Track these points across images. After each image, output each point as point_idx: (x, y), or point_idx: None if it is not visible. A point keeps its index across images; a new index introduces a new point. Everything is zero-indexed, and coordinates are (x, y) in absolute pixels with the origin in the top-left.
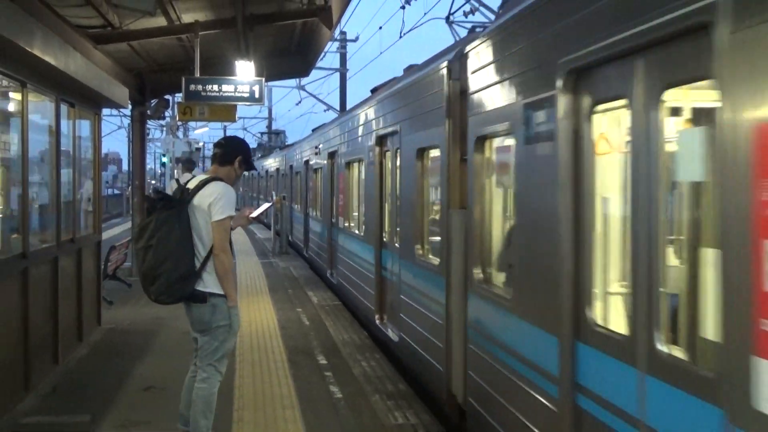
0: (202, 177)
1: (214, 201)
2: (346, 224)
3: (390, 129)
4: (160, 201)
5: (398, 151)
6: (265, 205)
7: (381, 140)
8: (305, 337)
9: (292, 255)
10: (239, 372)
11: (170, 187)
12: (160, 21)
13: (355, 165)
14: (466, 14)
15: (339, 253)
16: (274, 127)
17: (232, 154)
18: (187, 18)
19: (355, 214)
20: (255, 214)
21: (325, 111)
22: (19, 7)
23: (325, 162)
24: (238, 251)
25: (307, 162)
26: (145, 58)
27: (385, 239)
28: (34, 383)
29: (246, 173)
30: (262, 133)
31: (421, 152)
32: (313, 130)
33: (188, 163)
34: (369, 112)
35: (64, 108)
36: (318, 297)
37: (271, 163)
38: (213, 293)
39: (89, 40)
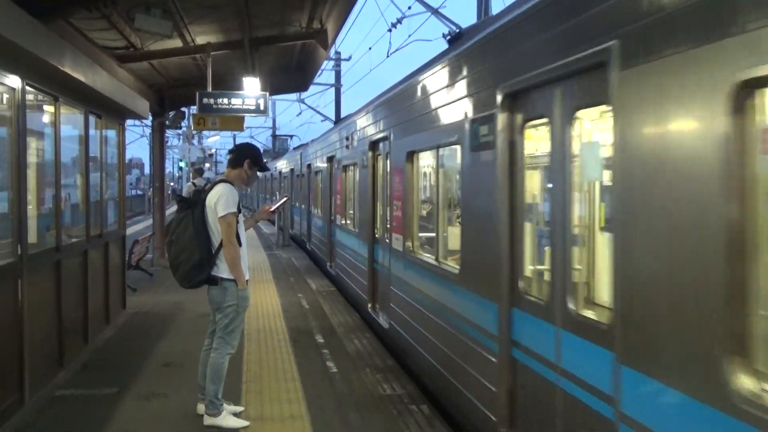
0: (216, 180)
1: (217, 200)
2: (409, 246)
3: (534, 78)
4: (180, 203)
5: (572, 113)
6: (282, 200)
7: (513, 101)
8: (305, 319)
9: (294, 248)
10: (247, 349)
11: (187, 190)
12: (177, 42)
13: (428, 157)
14: (445, 36)
15: (394, 286)
16: (278, 137)
17: (241, 158)
18: (201, 40)
19: (429, 232)
20: (273, 208)
21: (322, 121)
22: (53, 32)
23: (364, 157)
24: (248, 244)
25: (331, 158)
26: (163, 75)
27: (527, 293)
28: (67, 360)
29: (258, 176)
30: (275, 136)
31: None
32: (335, 123)
33: (199, 171)
34: (477, 56)
35: (92, 119)
36: (316, 284)
37: (284, 164)
38: (224, 278)
39: (114, 59)
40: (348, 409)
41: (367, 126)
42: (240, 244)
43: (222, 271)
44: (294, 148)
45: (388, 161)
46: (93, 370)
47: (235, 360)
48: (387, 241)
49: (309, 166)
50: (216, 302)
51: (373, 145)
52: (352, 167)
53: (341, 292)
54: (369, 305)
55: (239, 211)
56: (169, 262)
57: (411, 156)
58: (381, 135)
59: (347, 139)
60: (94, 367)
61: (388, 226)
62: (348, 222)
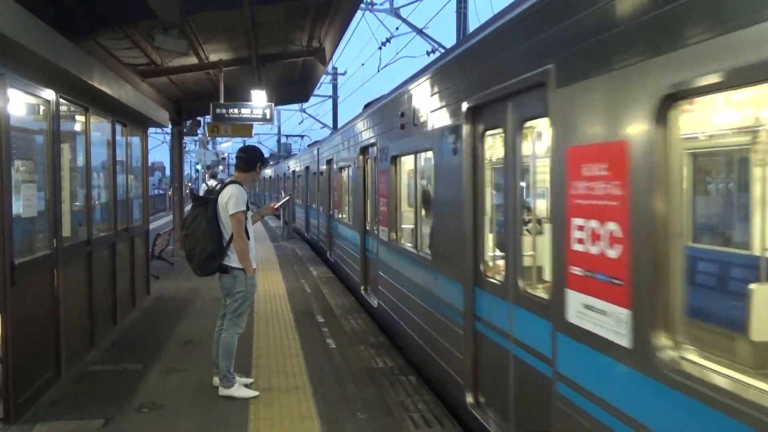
0: (227, 181)
1: (228, 200)
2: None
3: None
4: (195, 201)
5: None
6: (285, 198)
7: None
8: (307, 302)
9: (297, 239)
10: (257, 329)
11: (202, 190)
12: (192, 59)
13: None
14: (429, 53)
15: (573, 408)
16: (282, 142)
17: (254, 161)
18: (213, 57)
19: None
20: (277, 205)
21: (321, 128)
22: (83, 51)
23: (450, 137)
24: (256, 237)
25: (366, 149)
26: (181, 88)
27: None
28: (98, 340)
29: (270, 176)
30: (287, 136)
31: None
32: (365, 106)
33: (213, 175)
34: None
35: (118, 127)
36: (317, 271)
37: (297, 162)
38: (234, 267)
39: (137, 74)
40: (345, 380)
41: (457, 83)
42: (248, 238)
43: (233, 261)
44: (308, 145)
45: (542, 135)
46: (121, 348)
47: (246, 338)
48: (526, 296)
49: (330, 161)
50: (227, 288)
51: (476, 112)
52: (412, 157)
53: (391, 340)
54: (468, 397)
55: (248, 208)
56: (185, 253)
57: (665, 107)
58: (513, 84)
59: (402, 115)
60: (122, 345)
61: (531, 270)
62: (404, 240)
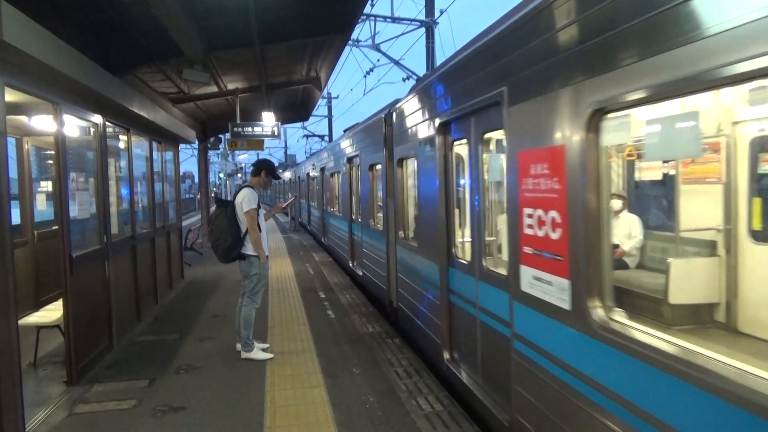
0: (242, 185)
1: (242, 200)
2: None
3: None
4: (217, 202)
5: None
6: (291, 199)
7: None
8: (311, 281)
9: (302, 231)
10: (271, 303)
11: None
12: (213, 88)
13: None
14: (404, 80)
15: None
16: (289, 153)
17: (259, 169)
18: (231, 86)
19: None
20: (285, 205)
21: (317, 141)
22: (125, 83)
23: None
24: (268, 230)
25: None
26: (205, 111)
27: None
28: (142, 316)
29: (290, 179)
30: (307, 136)
31: None
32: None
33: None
34: None
35: (154, 144)
36: (319, 257)
37: (324, 158)
38: (250, 254)
39: (169, 101)
40: (342, 343)
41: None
42: (261, 230)
43: (248, 249)
44: (346, 129)
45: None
46: (161, 322)
47: (263, 311)
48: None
49: (405, 132)
50: (245, 272)
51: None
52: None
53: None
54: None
55: (259, 207)
56: (211, 244)
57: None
58: None
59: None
60: (162, 319)
61: None
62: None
